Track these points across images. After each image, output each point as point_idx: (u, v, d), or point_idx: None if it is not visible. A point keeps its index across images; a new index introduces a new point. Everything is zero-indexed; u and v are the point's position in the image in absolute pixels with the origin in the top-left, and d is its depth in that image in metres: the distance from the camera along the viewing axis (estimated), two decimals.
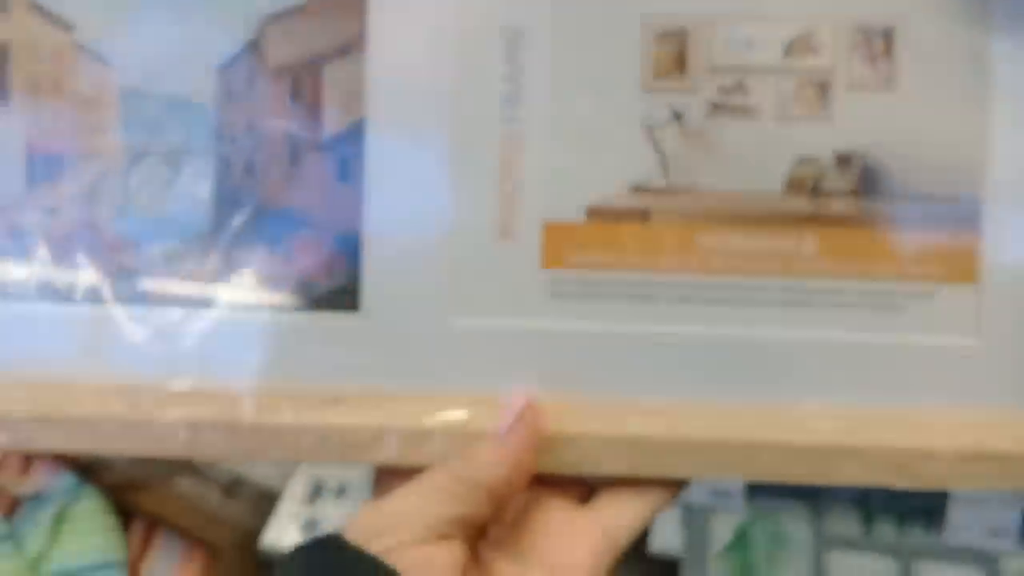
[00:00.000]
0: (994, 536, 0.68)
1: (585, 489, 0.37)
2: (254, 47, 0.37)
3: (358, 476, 0.87)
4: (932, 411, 0.36)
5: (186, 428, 0.36)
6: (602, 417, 0.36)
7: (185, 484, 0.84)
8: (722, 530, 0.78)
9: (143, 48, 0.37)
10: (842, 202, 0.37)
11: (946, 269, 0.37)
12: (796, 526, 0.74)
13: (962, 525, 0.69)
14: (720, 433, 0.36)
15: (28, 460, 0.80)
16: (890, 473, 0.36)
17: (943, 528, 0.70)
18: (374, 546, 0.31)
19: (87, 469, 0.82)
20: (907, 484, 0.36)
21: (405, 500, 0.33)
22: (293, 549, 0.33)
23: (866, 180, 0.37)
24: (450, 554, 0.32)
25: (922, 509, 0.74)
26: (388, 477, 0.35)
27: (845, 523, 0.75)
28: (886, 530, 0.75)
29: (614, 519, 0.35)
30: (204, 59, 0.37)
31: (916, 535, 0.74)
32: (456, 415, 0.36)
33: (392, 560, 0.31)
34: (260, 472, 0.87)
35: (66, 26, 0.37)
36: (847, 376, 0.37)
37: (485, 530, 0.35)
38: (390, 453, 0.36)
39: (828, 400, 0.36)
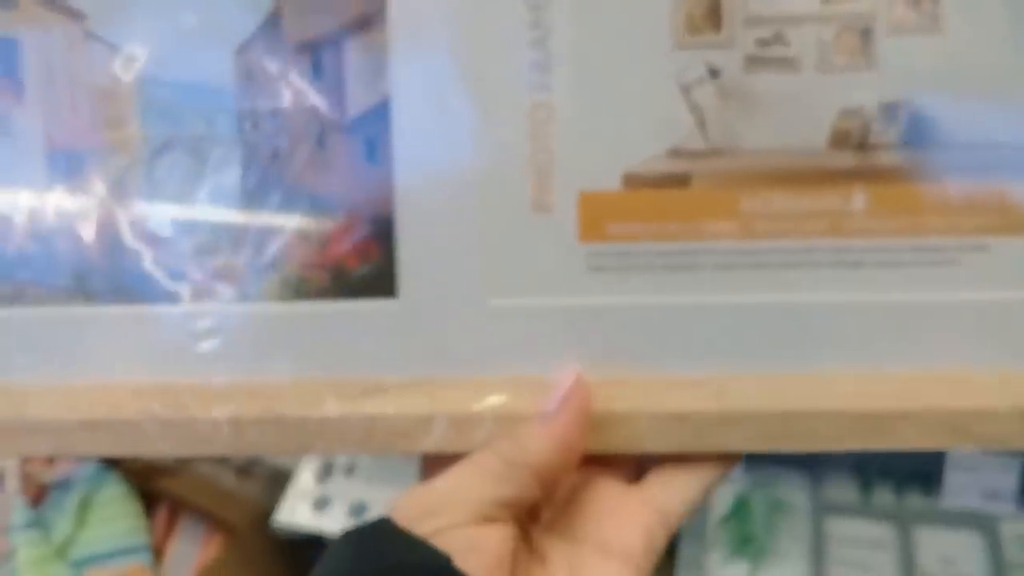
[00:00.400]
0: (991, 499, 0.69)
1: (636, 468, 0.36)
2: (272, 24, 0.35)
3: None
4: (989, 368, 0.35)
5: (230, 425, 0.36)
6: (649, 393, 0.35)
7: (202, 467, 0.86)
8: (721, 499, 0.78)
9: (157, 34, 0.36)
10: (890, 154, 0.35)
11: (1001, 221, 0.35)
12: (794, 494, 0.75)
13: (959, 489, 0.69)
14: (771, 404, 0.35)
15: None
16: (947, 435, 0.35)
17: (940, 492, 0.70)
18: (422, 528, 0.31)
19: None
20: (965, 446, 0.35)
21: (452, 482, 0.33)
22: (343, 533, 0.33)
23: (914, 130, 0.35)
24: (499, 536, 0.32)
25: (920, 474, 0.74)
26: (435, 463, 0.35)
27: (843, 490, 0.76)
28: (884, 496, 0.76)
29: (666, 498, 0.35)
30: (221, 41, 0.35)
31: (914, 500, 0.74)
32: (501, 398, 0.35)
33: (440, 542, 0.31)
34: None
35: (76, 15, 0.36)
36: (901, 337, 0.35)
37: (537, 513, 0.35)
38: (438, 440, 0.35)
39: (881, 363, 0.35)
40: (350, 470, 0.90)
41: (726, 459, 0.36)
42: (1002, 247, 0.35)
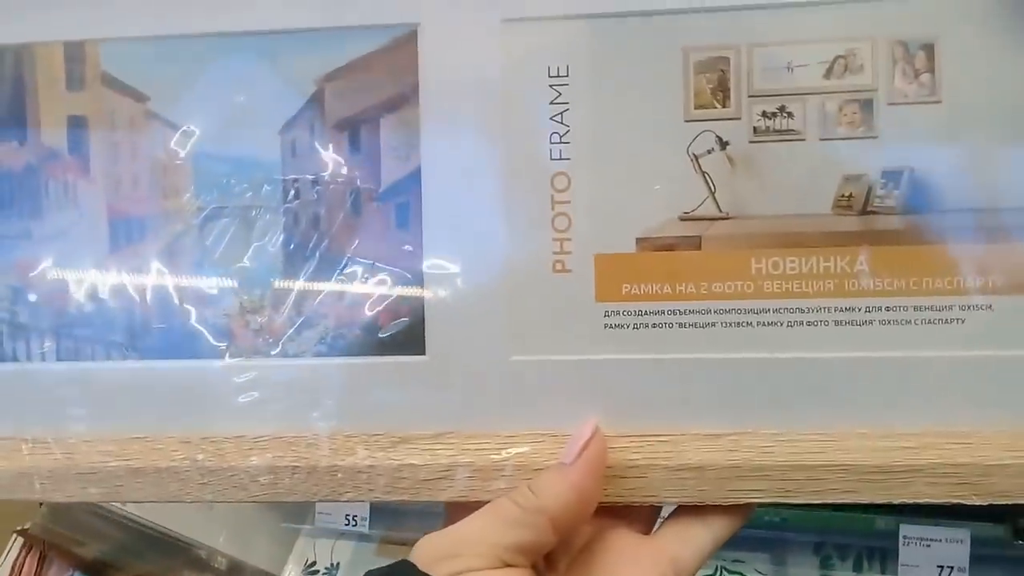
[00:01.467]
0: (945, 573, 0.70)
1: (651, 518, 0.37)
2: (314, 105, 0.39)
3: (348, 555, 0.90)
4: (996, 424, 0.36)
5: (267, 473, 0.38)
6: (664, 446, 0.37)
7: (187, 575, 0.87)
8: None
9: (212, 113, 0.39)
10: (892, 218, 0.37)
11: (1004, 280, 0.36)
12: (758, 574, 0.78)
13: (914, 564, 0.70)
14: (783, 457, 0.36)
15: (42, 563, 0.84)
16: (956, 489, 0.35)
17: (896, 568, 0.73)
18: (440, 571, 0.33)
19: (98, 571, 0.86)
20: (976, 499, 0.35)
21: (471, 527, 0.34)
22: (364, 574, 0.34)
23: (915, 194, 0.37)
24: None
25: (877, 550, 0.78)
26: (458, 511, 0.36)
27: (804, 569, 0.79)
28: (843, 574, 0.79)
29: (680, 548, 0.36)
30: (268, 120, 0.39)
31: None
32: (522, 449, 0.37)
33: None
34: (256, 556, 0.91)
35: (139, 96, 0.40)
36: (909, 393, 0.37)
37: (554, 562, 0.36)
38: (461, 488, 0.37)
39: (890, 418, 0.37)
40: (332, 571, 0.90)
41: (739, 510, 0.37)
42: (1006, 305, 0.36)
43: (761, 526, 0.77)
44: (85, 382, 0.40)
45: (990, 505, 0.36)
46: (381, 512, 0.86)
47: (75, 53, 0.40)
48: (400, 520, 0.86)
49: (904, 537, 0.71)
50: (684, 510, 0.37)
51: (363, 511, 0.85)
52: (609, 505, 0.37)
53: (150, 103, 0.40)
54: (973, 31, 0.36)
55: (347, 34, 0.39)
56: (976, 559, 0.70)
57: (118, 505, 0.77)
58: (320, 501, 0.38)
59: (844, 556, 0.79)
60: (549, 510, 0.34)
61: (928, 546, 0.70)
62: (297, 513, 0.89)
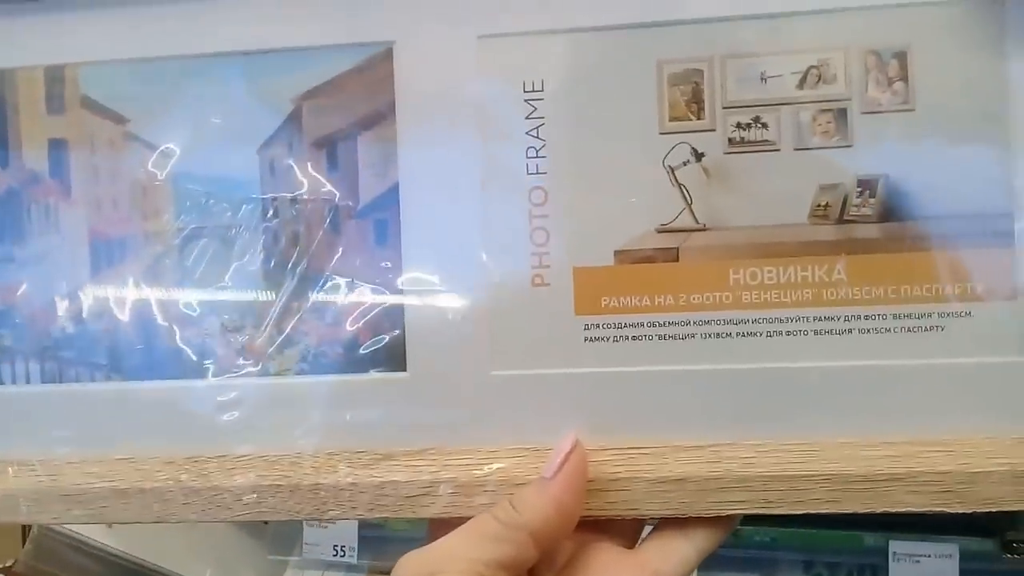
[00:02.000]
0: None
1: (634, 532, 0.37)
2: (292, 123, 0.39)
3: None
4: (978, 431, 0.36)
5: (251, 492, 0.38)
6: (646, 458, 0.37)
7: None
8: None
9: (191, 134, 0.40)
10: (869, 227, 0.37)
11: (982, 287, 0.36)
12: None
13: None
14: (765, 468, 0.36)
15: None
16: (939, 497, 0.35)
17: None
18: None
19: None
20: (960, 507, 0.35)
21: (452, 543, 0.34)
22: None
23: (891, 203, 0.37)
24: None
25: (867, 567, 0.77)
26: (439, 527, 0.36)
27: None
28: None
29: (663, 561, 0.36)
30: (246, 139, 0.39)
31: None
32: (504, 464, 0.37)
33: None
34: None
35: (119, 118, 0.40)
36: (890, 402, 0.37)
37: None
38: (443, 505, 0.37)
39: (872, 427, 0.37)
40: None
41: (722, 522, 0.37)
42: (985, 312, 0.36)
43: (751, 546, 0.77)
44: (69, 404, 0.40)
45: (979, 519, 0.36)
46: (369, 542, 0.85)
47: (55, 77, 0.40)
48: (388, 549, 0.86)
49: (893, 553, 0.72)
50: (667, 523, 0.37)
51: (351, 541, 0.85)
52: (592, 519, 0.37)
53: (129, 125, 0.40)
54: (945, 39, 0.37)
55: (323, 53, 0.39)
56: (965, 573, 0.71)
57: (103, 540, 0.77)
58: (304, 519, 0.38)
59: (834, 574, 0.79)
60: (530, 525, 0.34)
61: (918, 562, 0.71)
62: (284, 544, 0.89)
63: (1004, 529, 0.68)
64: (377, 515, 0.38)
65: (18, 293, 0.40)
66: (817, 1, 0.37)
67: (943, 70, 0.37)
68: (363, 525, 0.86)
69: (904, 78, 0.37)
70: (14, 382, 0.40)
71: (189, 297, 0.39)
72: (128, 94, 0.40)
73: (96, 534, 0.76)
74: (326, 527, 0.85)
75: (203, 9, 0.39)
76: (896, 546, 0.71)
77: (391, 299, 0.39)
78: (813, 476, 0.36)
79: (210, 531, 0.84)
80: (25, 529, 0.76)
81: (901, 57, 0.37)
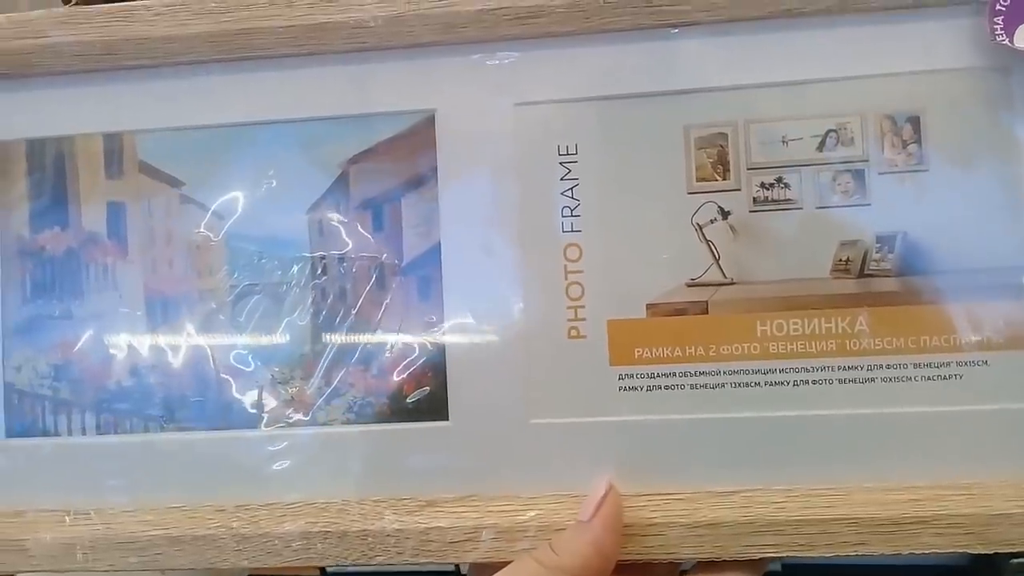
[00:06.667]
0: None
1: (670, 574, 0.39)
2: (340, 186, 0.41)
3: None
4: (1000, 475, 0.38)
5: (300, 539, 0.39)
6: (680, 503, 0.38)
7: None
8: None
9: (243, 197, 0.42)
10: (889, 280, 0.39)
11: (998, 337, 0.38)
12: None
13: None
14: (795, 512, 0.38)
15: None
16: (964, 539, 0.37)
17: None
18: None
19: None
20: (981, 548, 0.37)
21: None
22: None
23: (909, 258, 0.39)
24: None
25: None
26: (481, 571, 0.38)
27: None
28: None
29: None
30: (296, 201, 0.41)
31: None
32: (544, 510, 0.39)
33: None
34: None
35: (174, 182, 0.42)
36: (913, 447, 0.38)
37: None
38: (486, 550, 0.39)
39: (896, 472, 0.38)
40: None
41: (755, 565, 0.38)
42: (1002, 361, 0.38)
43: None
44: (124, 454, 0.42)
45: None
46: None
47: (113, 143, 0.43)
48: None
49: None
50: (702, 566, 0.38)
51: None
52: (629, 562, 0.38)
53: (184, 188, 0.42)
54: (955, 104, 0.39)
55: (370, 120, 0.41)
56: None
57: None
58: (352, 565, 0.39)
59: None
60: (570, 567, 0.36)
61: None
62: None
63: None
64: (422, 560, 0.39)
65: (76, 348, 0.42)
66: (835, 69, 0.40)
67: (954, 133, 0.39)
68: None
69: (918, 141, 0.39)
70: (70, 433, 0.42)
71: (241, 351, 0.41)
72: (183, 159, 0.42)
73: None
74: None
75: (254, 79, 0.42)
76: None
77: (434, 351, 0.40)
78: (841, 520, 0.38)
79: None
80: None
81: (914, 121, 0.39)
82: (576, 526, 0.37)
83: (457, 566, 0.39)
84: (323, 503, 0.40)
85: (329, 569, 0.86)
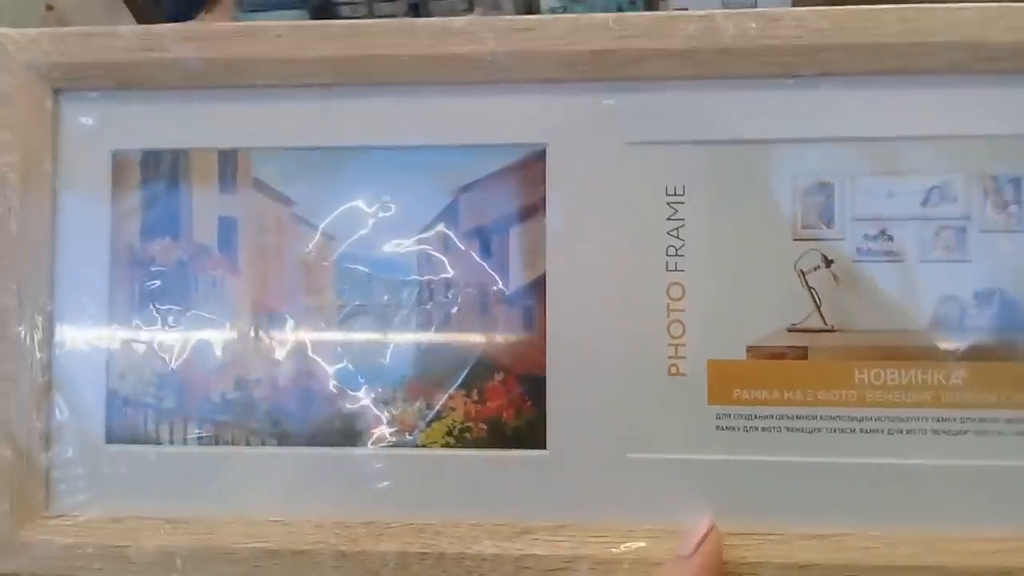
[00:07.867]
0: None
1: None
2: (450, 213, 0.42)
3: None
4: None
5: (395, 559, 0.40)
6: (774, 544, 0.39)
7: None
8: None
9: (355, 220, 0.43)
10: (985, 336, 0.40)
11: None
12: None
13: None
14: (885, 558, 0.39)
15: None
16: None
17: None
18: None
19: None
20: None
21: None
22: None
23: (1006, 315, 0.40)
24: None
25: None
26: None
27: None
28: None
29: None
30: (407, 226, 0.42)
31: None
32: (639, 543, 0.40)
33: None
34: None
35: (287, 201, 0.43)
36: (1001, 500, 0.39)
37: None
38: None
39: (983, 523, 0.39)
40: None
41: None
42: None
43: None
44: (226, 466, 0.42)
45: None
46: None
47: (228, 159, 0.43)
48: None
49: None
50: None
51: None
52: None
53: (296, 207, 0.43)
54: None
55: (483, 151, 0.42)
56: None
57: None
58: None
59: None
60: None
61: None
62: None
63: None
64: None
65: (182, 358, 0.43)
66: (942, 127, 0.41)
67: None
68: None
69: (1019, 202, 0.40)
70: (172, 442, 0.43)
71: (346, 370, 0.42)
72: (296, 178, 0.43)
73: None
74: None
75: (370, 104, 0.43)
76: None
77: (535, 381, 0.41)
78: (930, 568, 0.39)
79: None
80: None
81: (1016, 183, 0.40)
82: (676, 561, 0.38)
83: None
84: (421, 524, 0.41)
85: None
